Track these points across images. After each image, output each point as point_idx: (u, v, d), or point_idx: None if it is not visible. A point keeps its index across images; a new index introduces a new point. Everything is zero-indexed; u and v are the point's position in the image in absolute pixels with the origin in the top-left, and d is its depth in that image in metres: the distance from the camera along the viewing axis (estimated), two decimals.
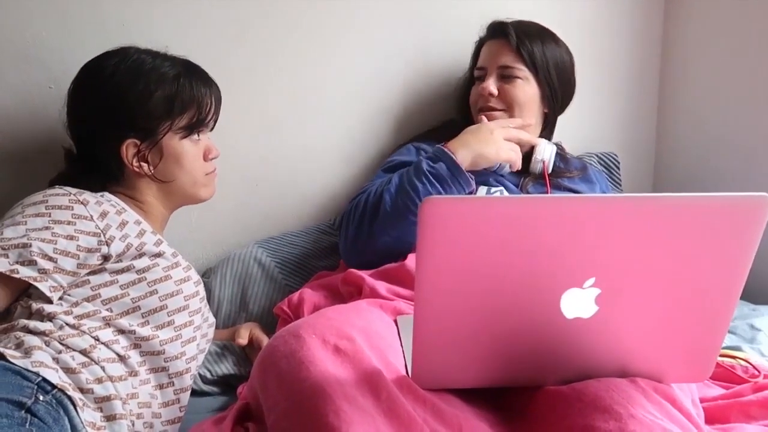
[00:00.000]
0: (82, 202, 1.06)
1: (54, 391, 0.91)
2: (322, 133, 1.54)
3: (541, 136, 1.45)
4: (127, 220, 1.09)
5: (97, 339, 1.00)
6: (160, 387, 1.07)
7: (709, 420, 0.98)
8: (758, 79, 1.59)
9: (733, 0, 1.63)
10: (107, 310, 1.04)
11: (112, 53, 1.15)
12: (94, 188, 1.12)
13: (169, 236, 1.20)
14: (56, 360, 0.95)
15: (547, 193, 1.38)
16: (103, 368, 0.98)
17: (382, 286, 1.17)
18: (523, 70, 1.38)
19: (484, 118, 1.37)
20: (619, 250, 0.76)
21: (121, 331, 1.04)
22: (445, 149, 1.25)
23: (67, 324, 0.99)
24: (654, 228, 0.75)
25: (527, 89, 1.39)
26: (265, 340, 1.26)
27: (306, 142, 1.53)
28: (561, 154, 1.46)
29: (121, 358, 1.02)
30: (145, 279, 1.07)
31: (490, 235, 0.73)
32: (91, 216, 1.05)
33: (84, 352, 0.98)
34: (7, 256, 0.98)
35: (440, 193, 1.21)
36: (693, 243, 0.76)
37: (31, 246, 0.99)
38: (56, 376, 0.92)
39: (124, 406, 0.99)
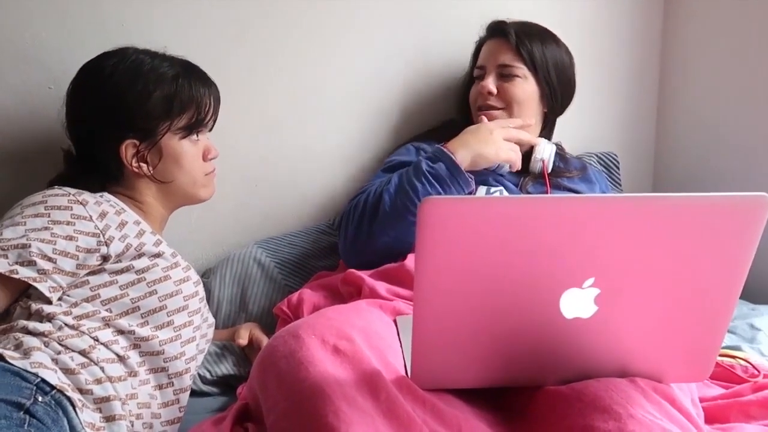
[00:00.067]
0: (81, 203, 1.06)
1: (53, 391, 0.90)
2: (322, 133, 1.54)
3: (540, 136, 1.45)
4: (126, 221, 1.09)
5: (96, 339, 1.00)
6: (160, 387, 1.07)
7: (709, 420, 0.98)
8: (758, 79, 1.59)
9: (733, 0, 1.63)
10: (107, 310, 1.04)
11: (111, 54, 1.15)
12: (94, 189, 1.12)
13: (169, 236, 1.20)
14: (55, 361, 0.95)
15: (546, 192, 1.38)
16: (102, 369, 0.98)
17: (381, 287, 1.17)
18: (522, 69, 1.38)
19: (484, 118, 1.37)
20: (619, 250, 0.76)
21: (121, 332, 1.04)
22: (445, 149, 1.25)
23: (66, 324, 0.99)
24: (653, 228, 0.75)
25: (526, 88, 1.39)
26: (264, 340, 1.26)
27: (306, 142, 1.53)
28: (560, 154, 1.46)
29: (121, 359, 1.02)
30: (145, 279, 1.07)
31: (489, 235, 0.73)
32: (91, 216, 1.05)
33: (83, 353, 0.98)
34: (6, 257, 0.97)
35: (439, 193, 1.21)
36: (692, 243, 0.76)
37: (30, 246, 0.98)
38: (55, 377, 0.92)
39: (123, 407, 0.99)
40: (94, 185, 1.13)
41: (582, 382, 0.85)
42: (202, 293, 1.17)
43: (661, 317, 0.82)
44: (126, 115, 1.11)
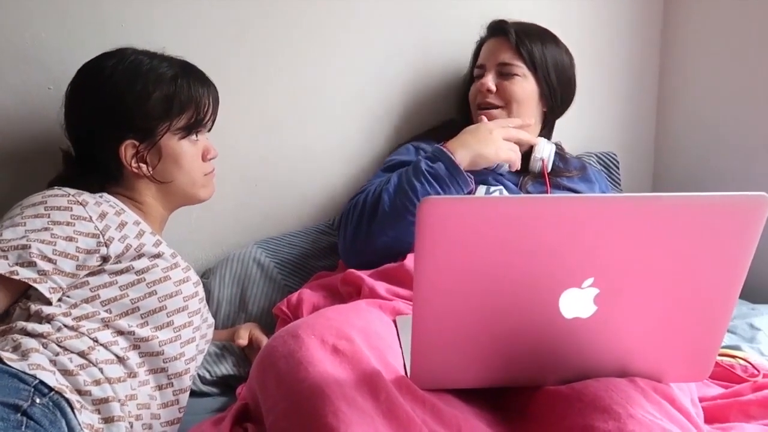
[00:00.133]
0: (81, 203, 1.06)
1: (51, 393, 0.90)
2: (322, 133, 1.54)
3: (540, 136, 1.45)
4: (126, 221, 1.09)
5: (95, 340, 1.00)
6: (159, 388, 1.07)
7: (709, 419, 0.98)
8: (758, 79, 1.59)
9: (733, 0, 1.63)
10: (106, 311, 1.04)
11: (110, 54, 1.15)
12: (93, 189, 1.12)
13: (169, 237, 1.20)
14: (54, 362, 0.95)
15: (546, 192, 1.38)
16: (101, 370, 0.98)
17: (381, 287, 1.17)
18: (521, 68, 1.39)
19: (484, 118, 1.37)
20: (618, 249, 0.76)
21: (120, 332, 1.03)
22: (444, 149, 1.25)
23: (65, 326, 0.99)
24: (653, 228, 0.75)
25: (525, 86, 1.39)
26: (264, 340, 1.26)
27: (306, 142, 1.53)
28: (560, 154, 1.46)
29: (120, 360, 1.02)
30: (145, 280, 1.07)
31: (489, 235, 0.73)
32: (90, 217, 1.05)
33: (82, 354, 0.98)
34: (6, 258, 0.97)
35: (438, 193, 1.21)
36: (692, 242, 0.76)
37: (30, 247, 0.98)
38: (53, 379, 0.92)
39: (122, 408, 0.98)
40: (94, 186, 1.13)
41: (582, 382, 0.85)
42: (201, 294, 1.17)
43: (661, 317, 0.82)
44: (125, 116, 1.11)
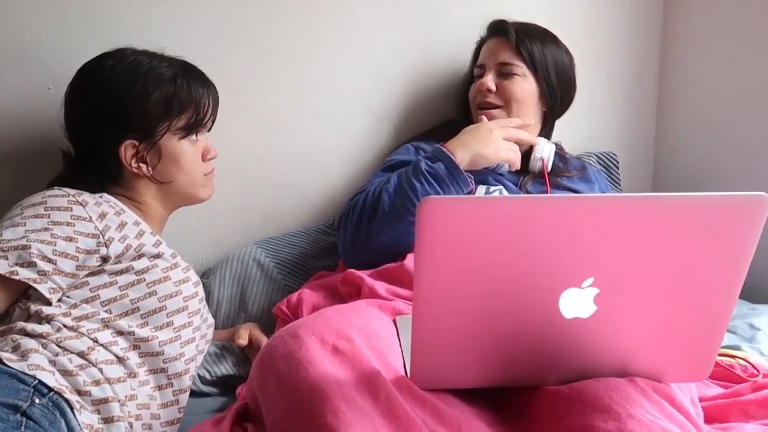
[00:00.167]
0: (81, 203, 1.06)
1: (50, 393, 0.90)
2: (322, 133, 1.54)
3: (540, 136, 1.45)
4: (126, 221, 1.09)
5: (95, 341, 1.00)
6: (159, 388, 1.07)
7: (708, 419, 0.98)
8: (758, 79, 1.59)
9: (733, 0, 1.63)
10: (106, 311, 1.04)
11: (109, 54, 1.14)
12: (93, 189, 1.12)
13: (168, 237, 1.20)
14: (53, 362, 0.95)
15: (546, 191, 1.38)
16: (101, 370, 0.98)
17: (381, 287, 1.17)
18: (521, 67, 1.39)
19: (483, 118, 1.37)
20: (618, 249, 0.76)
21: (120, 333, 1.03)
22: (444, 149, 1.25)
23: (65, 326, 0.99)
24: (653, 228, 0.75)
25: (525, 86, 1.39)
26: (264, 340, 1.26)
27: (306, 142, 1.53)
28: (560, 154, 1.46)
29: (120, 360, 1.02)
30: (144, 280, 1.07)
31: (489, 235, 0.73)
32: (90, 217, 1.05)
33: (81, 354, 0.98)
34: (6, 258, 0.97)
35: (438, 193, 1.21)
36: (692, 242, 0.76)
37: (30, 248, 0.98)
38: (53, 379, 0.92)
39: (122, 408, 0.98)
40: (94, 186, 1.13)
41: (582, 382, 0.85)
42: (201, 294, 1.17)
43: (661, 317, 0.82)
44: (125, 116, 1.11)
